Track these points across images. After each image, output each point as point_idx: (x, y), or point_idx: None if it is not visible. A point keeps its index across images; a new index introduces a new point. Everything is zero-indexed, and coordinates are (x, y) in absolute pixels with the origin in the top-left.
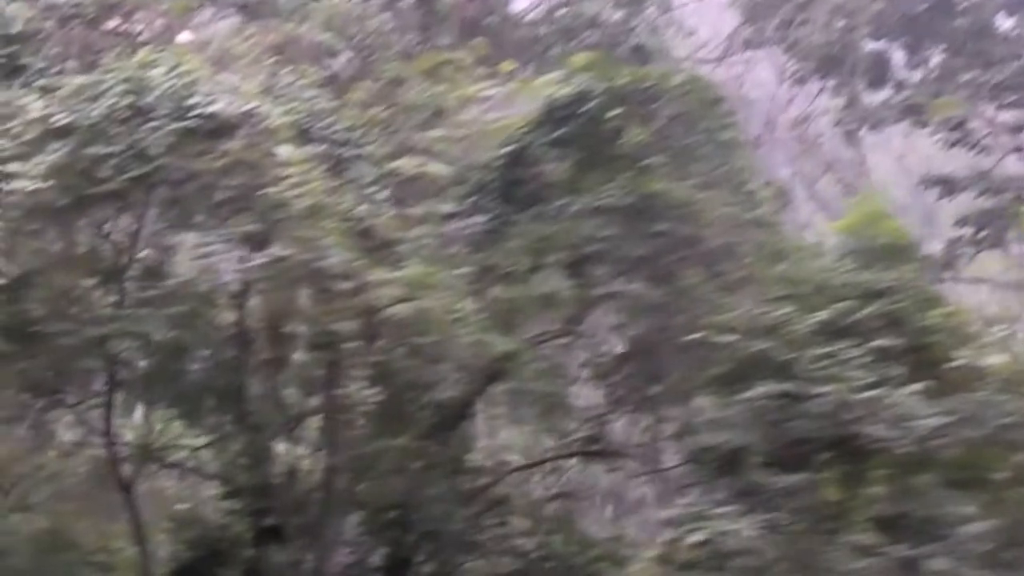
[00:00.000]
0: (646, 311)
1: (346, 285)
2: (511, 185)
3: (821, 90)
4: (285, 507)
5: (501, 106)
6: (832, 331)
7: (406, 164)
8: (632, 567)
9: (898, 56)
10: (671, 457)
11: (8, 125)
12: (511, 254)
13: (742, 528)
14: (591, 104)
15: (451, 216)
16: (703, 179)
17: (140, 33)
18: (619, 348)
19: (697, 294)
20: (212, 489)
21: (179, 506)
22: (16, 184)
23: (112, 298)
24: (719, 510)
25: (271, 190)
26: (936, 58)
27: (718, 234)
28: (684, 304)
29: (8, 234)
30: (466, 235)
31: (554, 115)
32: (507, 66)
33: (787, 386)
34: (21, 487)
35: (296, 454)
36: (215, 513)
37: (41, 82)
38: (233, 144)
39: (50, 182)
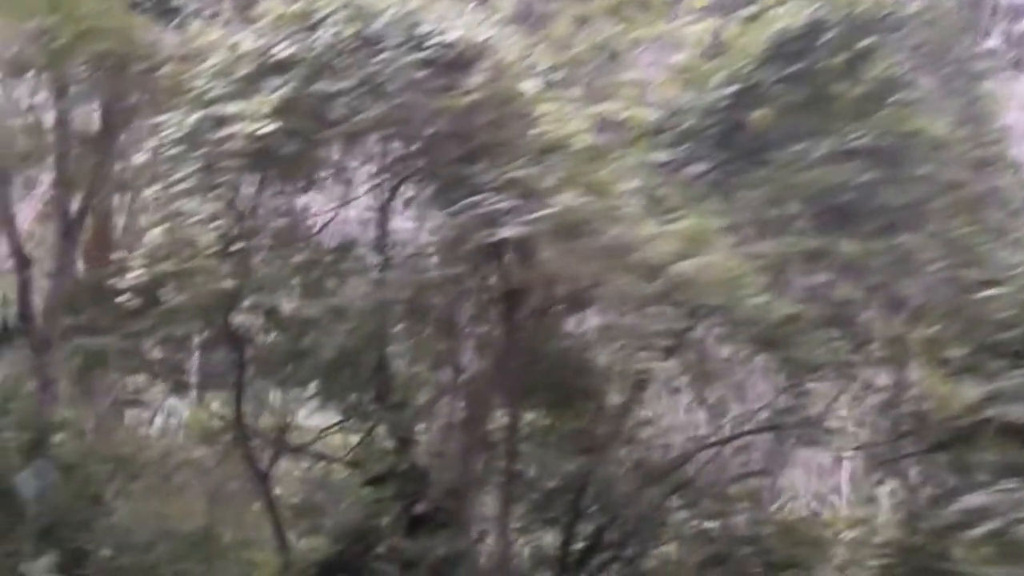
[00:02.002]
0: (905, 265)
1: (629, 239)
2: (734, 129)
3: None
4: (439, 493)
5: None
6: None
7: (609, 109)
8: (838, 553)
9: None
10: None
11: (211, 63)
12: (752, 206)
13: None
14: (828, 35)
15: (664, 165)
16: (956, 116)
17: None
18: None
19: (965, 245)
20: (352, 474)
21: (316, 493)
22: (235, 128)
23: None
24: None
25: (540, 130)
26: None
27: (982, 178)
28: (953, 257)
29: (229, 188)
30: (687, 185)
31: (784, 49)
32: (700, 2)
33: None
34: (150, 475)
35: (446, 434)
36: (358, 501)
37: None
38: (476, 78)
39: (275, 124)
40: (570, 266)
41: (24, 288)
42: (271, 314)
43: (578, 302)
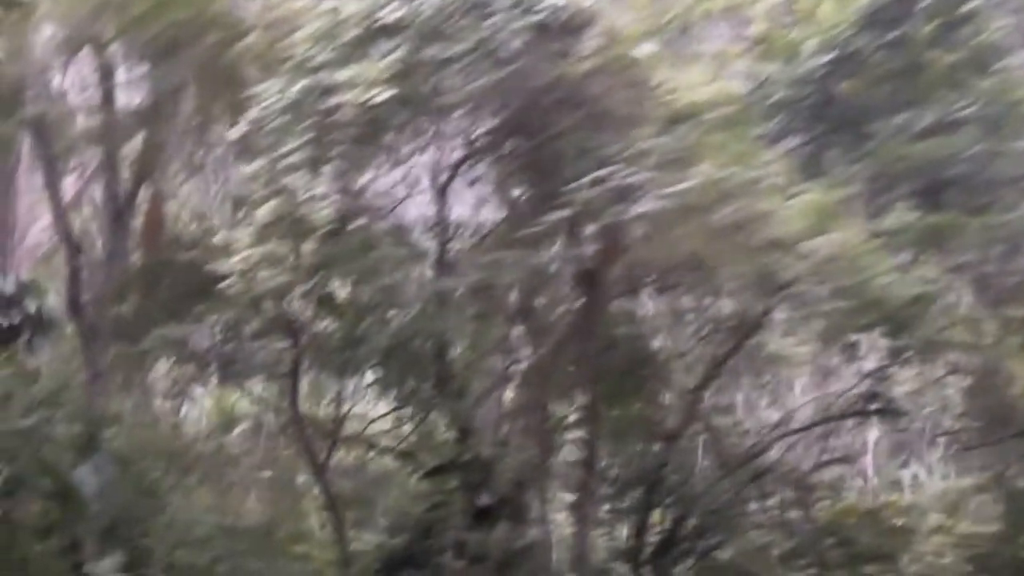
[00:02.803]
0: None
1: (761, 213)
2: (829, 100)
3: None
4: (503, 484)
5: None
6: None
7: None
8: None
9: None
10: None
11: (311, 28)
12: (855, 180)
13: None
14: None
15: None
16: None
17: None
18: None
19: None
20: (410, 465)
21: (374, 485)
22: (345, 96)
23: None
24: None
25: (666, 99)
26: None
27: None
28: None
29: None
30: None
31: (880, 15)
32: None
33: None
34: (203, 468)
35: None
36: (419, 492)
37: None
38: (591, 43)
39: (389, 91)
40: (689, 243)
41: (74, 277)
42: (325, 301)
43: (663, 284)
